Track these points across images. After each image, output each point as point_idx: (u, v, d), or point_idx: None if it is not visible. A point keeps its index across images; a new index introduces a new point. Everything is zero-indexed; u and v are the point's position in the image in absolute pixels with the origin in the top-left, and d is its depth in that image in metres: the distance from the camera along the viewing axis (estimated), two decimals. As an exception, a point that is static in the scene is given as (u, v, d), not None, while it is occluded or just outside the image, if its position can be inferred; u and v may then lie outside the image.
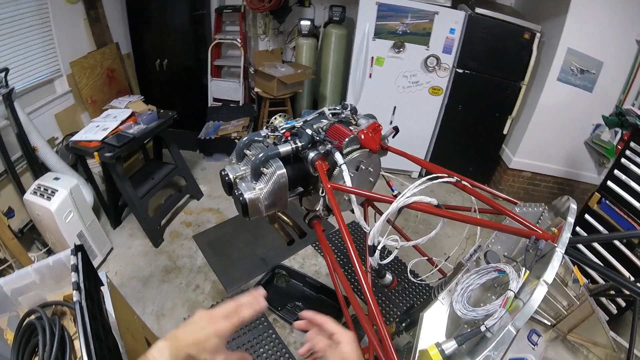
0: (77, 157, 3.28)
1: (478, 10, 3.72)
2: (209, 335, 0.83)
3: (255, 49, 4.92)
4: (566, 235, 1.20)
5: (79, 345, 1.19)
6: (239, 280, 3.03)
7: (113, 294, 1.66)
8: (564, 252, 1.15)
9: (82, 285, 1.31)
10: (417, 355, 1.07)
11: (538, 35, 3.76)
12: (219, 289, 2.97)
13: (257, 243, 3.40)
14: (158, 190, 3.53)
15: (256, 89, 4.53)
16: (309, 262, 3.26)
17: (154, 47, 4.64)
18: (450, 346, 1.02)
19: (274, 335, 2.64)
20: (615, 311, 2.90)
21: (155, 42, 4.63)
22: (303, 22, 4.49)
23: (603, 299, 2.93)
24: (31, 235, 3.10)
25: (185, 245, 3.36)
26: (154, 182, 3.53)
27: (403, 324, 1.66)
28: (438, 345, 1.03)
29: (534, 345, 1.52)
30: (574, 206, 1.36)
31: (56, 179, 2.84)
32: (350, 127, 1.68)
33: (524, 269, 1.13)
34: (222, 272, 3.08)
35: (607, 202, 2.95)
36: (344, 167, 1.45)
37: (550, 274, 1.06)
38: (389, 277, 1.53)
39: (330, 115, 1.76)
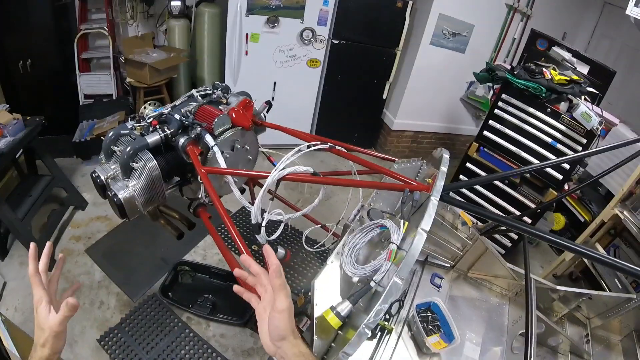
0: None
1: (349, -19, 3.77)
2: (36, 313, 0.90)
3: (125, 36, 4.59)
4: (440, 184, 1.24)
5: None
6: (143, 285, 2.88)
7: (11, 329, 1.56)
8: (438, 199, 1.19)
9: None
10: (314, 322, 1.06)
11: (410, 3, 3.93)
12: (125, 299, 2.80)
13: (154, 243, 3.24)
14: (39, 208, 3.21)
15: (128, 79, 4.26)
16: (211, 252, 3.19)
17: (15, 47, 4.10)
18: (345, 307, 1.03)
19: (191, 334, 2.57)
20: (509, 244, 3.19)
21: (16, 42, 4.09)
22: (173, 3, 4.25)
23: (497, 236, 3.19)
24: None
25: (80, 262, 3.09)
26: (33, 199, 3.19)
27: (309, 293, 1.67)
28: (333, 308, 1.03)
29: (438, 288, 1.61)
30: (446, 156, 1.43)
31: None
32: (220, 107, 1.62)
33: (402, 220, 1.16)
34: (123, 282, 2.90)
35: (485, 149, 3.20)
36: (215, 148, 1.39)
37: (427, 222, 1.09)
38: (281, 251, 1.51)
39: (199, 97, 1.68)
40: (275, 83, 4.17)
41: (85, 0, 4.32)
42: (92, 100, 4.51)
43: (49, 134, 3.39)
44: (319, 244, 1.67)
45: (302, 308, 1.22)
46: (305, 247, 1.55)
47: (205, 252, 3.19)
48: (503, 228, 2.89)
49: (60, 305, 0.90)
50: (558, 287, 1.59)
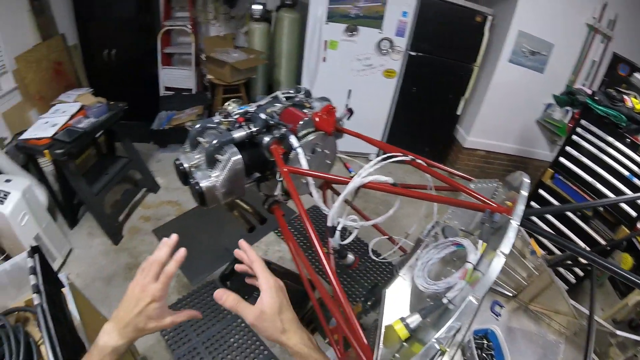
0: (27, 156, 3.13)
1: (430, -7, 3.75)
2: (146, 303, 0.85)
3: (207, 35, 4.81)
4: (520, 208, 1.22)
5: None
6: (203, 271, 3.00)
7: (75, 295, 1.62)
8: (519, 223, 1.17)
9: (41, 287, 1.28)
10: (382, 331, 1.07)
11: (490, 18, 3.85)
12: (184, 282, 2.92)
13: (219, 233, 3.36)
14: (114, 186, 3.44)
15: (209, 76, 4.44)
16: (272, 248, 3.25)
17: (102, 37, 4.43)
18: (415, 320, 1.02)
19: (242, 325, 2.64)
20: (574, 281, 3.04)
21: (102, 32, 4.42)
22: (255, 7, 4.41)
23: (561, 270, 3.04)
24: (-14, 243, 2.94)
25: (146, 241, 3.27)
26: (109, 177, 3.42)
27: (369, 303, 1.67)
28: (402, 319, 1.03)
29: (497, 316, 1.57)
30: (527, 180, 1.39)
31: (7, 181, 2.69)
32: (304, 110, 1.66)
33: (480, 241, 1.15)
34: (185, 265, 3.01)
35: (560, 177, 3.07)
36: (299, 150, 1.43)
37: (506, 245, 1.07)
38: (350, 257, 1.53)
39: (284, 98, 1.73)
40: (350, 91, 4.21)
41: (170, -1, 4.55)
42: (172, 92, 4.77)
43: (128, 120, 3.58)
44: (386, 255, 1.67)
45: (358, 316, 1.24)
46: (372, 256, 1.56)
47: (267, 248, 3.27)
48: (570, 262, 2.79)
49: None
50: (618, 332, 1.51)
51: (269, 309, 0.89)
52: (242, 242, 0.99)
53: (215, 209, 1.65)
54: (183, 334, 2.53)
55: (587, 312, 1.59)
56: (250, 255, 0.97)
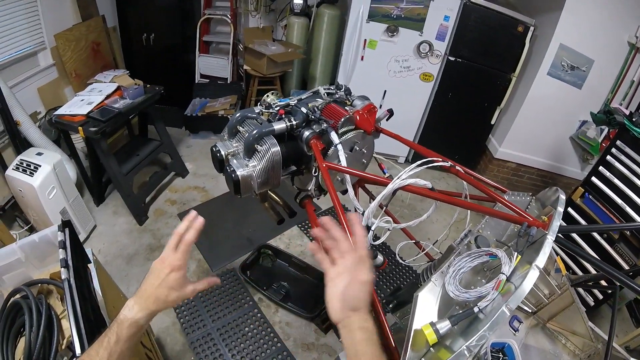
0: (60, 132, 3.21)
1: (473, -1, 3.70)
2: (166, 274, 0.88)
3: (246, 26, 4.84)
4: (556, 224, 1.21)
5: (67, 325, 1.16)
6: (225, 259, 3.02)
7: (99, 271, 1.62)
8: (554, 239, 1.17)
9: (70, 262, 1.28)
10: (411, 334, 1.07)
11: (531, 28, 3.78)
12: (205, 267, 2.96)
13: (243, 222, 3.38)
14: (143, 167, 3.50)
15: (245, 67, 4.47)
16: (294, 242, 3.27)
17: (141, 21, 4.50)
18: (444, 326, 1.03)
19: (259, 315, 2.65)
20: (592, 303, 2.98)
21: (142, 16, 4.49)
22: (296, 1, 4.42)
23: (581, 291, 2.99)
24: (13, 213, 3.03)
25: (170, 224, 3.32)
26: (139, 158, 3.48)
27: (390, 305, 1.68)
28: (432, 324, 1.04)
29: (515, 331, 1.56)
30: (563, 197, 1.38)
31: (39, 154, 2.76)
32: (345, 108, 1.66)
33: (515, 253, 1.14)
34: (207, 251, 3.06)
35: (590, 197, 3.01)
36: (339, 147, 1.44)
37: (541, 260, 1.08)
38: (380, 258, 1.53)
39: (325, 94, 1.73)
40: (385, 91, 4.20)
41: (212, -13, 4.59)
42: (207, 80, 4.82)
43: (162, 104, 3.63)
44: (412, 260, 1.66)
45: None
46: (399, 259, 1.56)
47: (290, 241, 3.28)
48: (591, 284, 2.74)
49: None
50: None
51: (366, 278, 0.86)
52: (352, 216, 0.95)
53: (241, 199, 1.67)
54: (199, 319, 2.56)
55: (604, 336, 1.57)
56: (333, 234, 0.91)
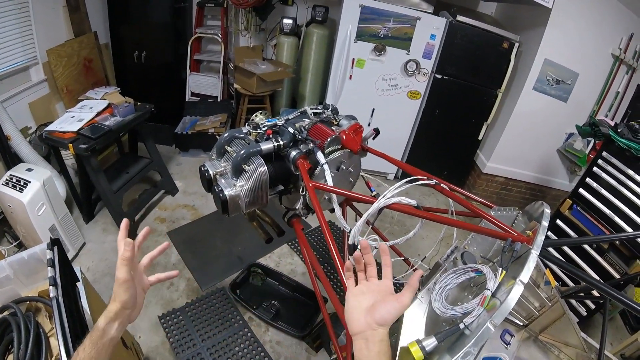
0: (50, 148, 3.19)
1: (459, 17, 3.77)
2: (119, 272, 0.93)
3: (236, 45, 4.88)
4: (540, 238, 1.23)
5: (56, 343, 1.16)
6: (214, 278, 3.00)
7: (88, 290, 1.62)
8: (538, 254, 1.18)
9: (58, 280, 1.28)
10: (398, 351, 1.08)
11: (517, 45, 3.84)
12: (194, 286, 2.93)
13: (233, 241, 3.37)
14: (133, 185, 3.48)
15: (235, 85, 4.49)
16: (284, 260, 3.26)
17: (133, 38, 4.52)
18: (431, 343, 1.04)
19: (249, 334, 2.62)
20: (584, 313, 2.99)
21: (134, 34, 4.51)
22: (285, 20, 4.47)
23: (573, 301, 3.01)
24: (2, 228, 3.00)
25: (160, 241, 3.29)
26: (129, 176, 3.47)
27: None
28: (419, 342, 1.04)
29: (507, 345, 1.57)
30: (547, 211, 1.41)
31: (29, 170, 2.75)
32: (332, 128, 1.69)
33: (500, 269, 1.16)
34: (197, 270, 3.04)
35: (578, 208, 3.04)
36: (325, 166, 1.46)
37: (525, 275, 1.09)
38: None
39: (312, 114, 1.76)
40: (373, 110, 4.24)
41: (203, 6, 4.66)
42: (198, 98, 4.84)
43: (152, 121, 3.63)
44: (398, 277, 1.67)
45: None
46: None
47: (280, 259, 3.27)
48: (582, 294, 2.76)
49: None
50: (626, 368, 1.50)
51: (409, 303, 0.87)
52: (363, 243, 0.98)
53: (231, 218, 1.67)
54: (188, 338, 2.53)
55: (596, 345, 1.58)
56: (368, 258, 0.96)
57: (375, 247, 1.35)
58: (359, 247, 0.95)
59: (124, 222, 1.01)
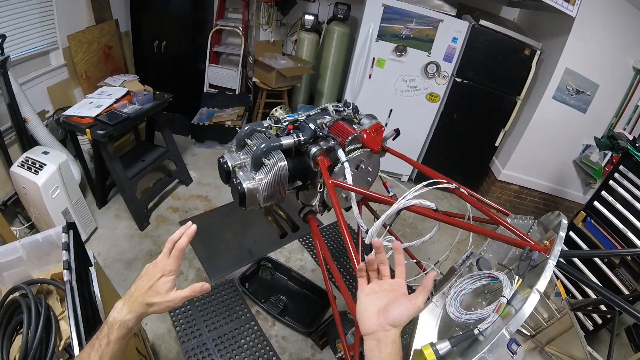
0: (67, 132, 3.23)
1: (482, 22, 3.75)
2: (157, 278, 0.90)
3: (256, 39, 4.88)
4: (558, 248, 1.23)
5: (65, 327, 1.16)
6: (224, 269, 3.02)
7: (99, 275, 1.62)
8: (555, 264, 1.18)
9: (73, 264, 1.29)
10: (411, 354, 1.08)
11: (538, 52, 3.80)
12: (203, 277, 2.95)
13: (244, 234, 3.39)
14: (147, 173, 3.50)
15: (254, 79, 4.49)
16: (294, 256, 3.26)
17: (154, 27, 4.56)
18: (444, 347, 1.04)
19: (255, 327, 2.63)
20: (591, 327, 2.97)
21: (155, 23, 4.55)
22: (307, 17, 4.47)
23: (580, 315, 2.98)
24: (14, 209, 3.03)
25: (171, 231, 3.26)
26: (144, 164, 3.49)
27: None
28: (433, 345, 1.04)
29: (513, 354, 1.55)
30: (565, 221, 1.39)
31: (45, 153, 2.78)
32: (353, 126, 1.68)
33: (516, 277, 1.15)
34: (207, 261, 3.06)
35: (592, 221, 3.01)
36: (346, 164, 1.45)
37: (542, 284, 1.09)
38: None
39: (333, 112, 1.76)
40: (391, 110, 4.21)
41: (225, -1, 4.66)
42: (216, 90, 4.86)
43: (169, 111, 3.66)
44: (413, 280, 1.67)
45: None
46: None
47: (290, 255, 3.28)
48: (590, 308, 2.73)
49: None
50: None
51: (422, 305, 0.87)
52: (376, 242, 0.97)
53: (244, 211, 1.67)
54: (195, 328, 2.55)
55: (601, 360, 1.57)
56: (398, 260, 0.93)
57: (391, 249, 1.36)
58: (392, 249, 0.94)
59: (194, 228, 0.98)
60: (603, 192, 2.97)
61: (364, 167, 1.65)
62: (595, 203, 3.00)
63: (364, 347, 0.85)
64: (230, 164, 1.60)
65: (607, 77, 3.81)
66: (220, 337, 2.53)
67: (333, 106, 1.77)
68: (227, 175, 1.62)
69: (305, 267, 3.17)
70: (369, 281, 0.94)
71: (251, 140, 1.60)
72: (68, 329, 1.14)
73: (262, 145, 1.49)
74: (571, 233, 3.11)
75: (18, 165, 2.69)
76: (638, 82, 3.83)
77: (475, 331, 1.05)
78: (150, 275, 0.91)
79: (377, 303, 0.88)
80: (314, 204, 1.67)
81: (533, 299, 1.05)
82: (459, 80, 4.02)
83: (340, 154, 1.47)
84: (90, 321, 1.26)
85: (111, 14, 4.08)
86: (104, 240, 3.15)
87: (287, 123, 1.59)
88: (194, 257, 3.08)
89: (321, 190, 1.57)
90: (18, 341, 1.22)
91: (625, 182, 2.82)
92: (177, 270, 0.93)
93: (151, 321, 2.55)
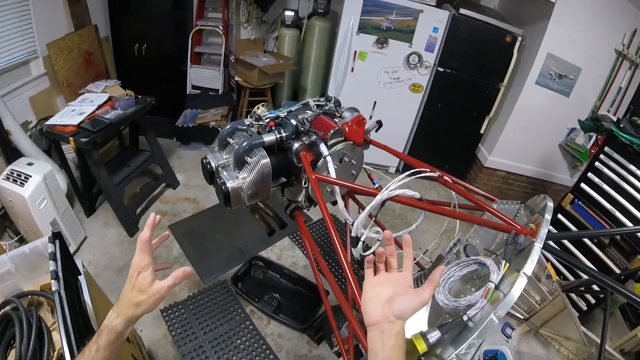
0: (51, 142, 3.18)
1: (462, 10, 3.76)
2: (135, 277, 0.91)
3: (237, 37, 4.87)
4: (544, 231, 1.23)
5: (58, 337, 1.15)
6: (216, 271, 3.00)
7: (90, 283, 1.61)
8: (542, 246, 1.18)
9: (60, 274, 1.27)
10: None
11: (519, 38, 3.83)
12: (196, 279, 2.94)
13: (234, 234, 3.37)
14: (134, 178, 3.47)
15: (236, 78, 4.47)
16: (286, 253, 3.26)
17: (133, 31, 4.50)
18: (434, 335, 1.04)
19: (251, 327, 2.62)
20: (585, 307, 3.01)
21: (134, 26, 4.50)
22: (287, 13, 4.45)
23: (573, 296, 3.01)
24: (3, 223, 3.00)
25: (161, 235, 3.29)
26: (130, 169, 3.46)
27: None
28: (423, 334, 1.05)
29: (508, 338, 1.57)
30: (550, 204, 1.40)
31: (30, 164, 2.74)
32: (334, 120, 1.68)
33: (503, 262, 1.16)
34: (198, 263, 3.05)
35: (580, 202, 3.04)
36: (329, 158, 1.45)
37: (529, 267, 1.09)
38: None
39: (315, 106, 1.75)
40: (375, 102, 4.22)
41: (204, -2, 4.62)
42: (199, 91, 4.84)
43: (153, 114, 3.62)
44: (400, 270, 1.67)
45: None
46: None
47: (281, 252, 3.27)
48: (583, 289, 2.76)
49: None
50: (626, 362, 1.51)
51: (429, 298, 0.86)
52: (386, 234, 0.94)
53: (232, 211, 1.66)
54: (190, 331, 2.54)
55: (597, 340, 1.59)
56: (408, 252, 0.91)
57: (378, 240, 1.35)
58: (380, 240, 0.93)
59: (152, 218, 1.00)
60: (589, 174, 3.00)
61: (347, 160, 1.65)
62: (582, 185, 3.04)
63: (368, 338, 0.84)
64: (213, 165, 1.59)
65: (589, 61, 3.85)
66: (216, 339, 2.51)
67: (314, 101, 1.76)
68: (211, 175, 1.61)
69: (297, 263, 3.17)
70: (375, 272, 0.93)
71: (233, 140, 1.59)
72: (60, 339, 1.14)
73: (244, 144, 1.48)
74: (560, 216, 3.14)
75: (3, 179, 2.65)
76: (620, 65, 3.88)
77: (465, 317, 1.05)
78: (129, 277, 0.92)
79: (382, 294, 0.87)
80: (299, 199, 1.67)
81: (520, 283, 1.05)
82: (441, 69, 4.04)
83: (323, 148, 1.46)
84: (82, 330, 1.25)
85: (90, 20, 4.02)
86: (94, 248, 3.12)
87: (268, 120, 1.58)
88: (185, 260, 3.07)
89: (306, 185, 1.56)
90: (13, 355, 1.20)
91: (611, 163, 2.85)
92: (150, 263, 0.93)
93: (146, 327, 2.53)
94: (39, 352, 1.17)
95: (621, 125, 2.76)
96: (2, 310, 1.26)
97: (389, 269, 0.92)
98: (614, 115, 3.79)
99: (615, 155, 2.82)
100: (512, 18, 4.10)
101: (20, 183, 2.61)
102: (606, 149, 2.89)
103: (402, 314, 0.82)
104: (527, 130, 4.17)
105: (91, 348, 0.85)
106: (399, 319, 0.82)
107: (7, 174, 2.66)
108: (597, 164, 2.95)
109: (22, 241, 2.93)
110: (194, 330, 2.55)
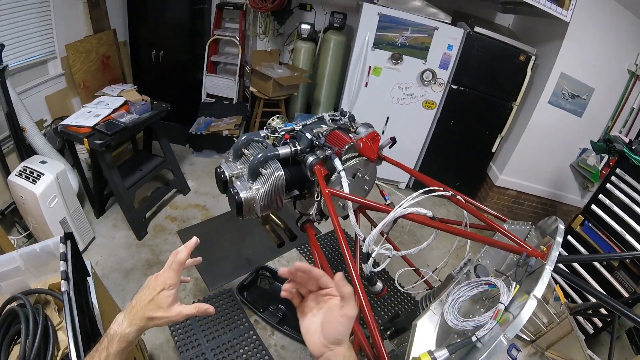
0: (65, 141, 3.22)
1: (477, 29, 3.78)
2: (157, 291, 0.89)
3: (254, 48, 4.92)
4: (555, 254, 1.23)
5: (63, 337, 1.16)
6: (222, 279, 3.01)
7: (97, 285, 1.62)
8: (552, 269, 1.18)
9: (70, 275, 1.28)
10: (409, 361, 1.08)
11: (533, 57, 3.83)
12: (202, 286, 2.94)
13: (242, 243, 3.38)
14: (145, 183, 3.50)
15: (251, 88, 4.51)
16: (293, 265, 3.24)
17: (151, 37, 4.57)
18: (442, 354, 1.04)
19: (254, 337, 2.61)
20: (591, 331, 2.97)
21: (152, 33, 4.56)
22: (303, 26, 4.50)
23: (580, 318, 2.98)
24: (12, 218, 3.03)
25: (169, 240, 3.32)
26: (142, 173, 3.49)
27: (387, 332, 1.68)
28: (430, 353, 1.04)
29: (513, 360, 1.55)
30: (562, 226, 1.40)
31: (43, 162, 2.78)
32: (349, 135, 1.69)
33: (514, 283, 1.16)
34: (205, 270, 3.05)
35: (590, 224, 3.02)
36: (342, 173, 1.46)
37: (539, 290, 1.09)
38: (379, 285, 1.53)
39: (330, 121, 1.77)
40: (388, 118, 4.24)
41: (222, 9, 4.71)
42: (213, 100, 4.89)
43: (167, 120, 3.66)
44: (411, 287, 1.67)
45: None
46: (398, 287, 1.56)
47: (289, 263, 3.26)
48: (590, 312, 2.73)
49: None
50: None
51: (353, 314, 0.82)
52: (298, 265, 0.85)
53: (242, 220, 1.67)
54: (193, 338, 2.53)
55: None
56: (314, 273, 0.85)
57: (389, 257, 1.36)
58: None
59: (194, 241, 0.99)
60: (600, 196, 2.98)
61: (360, 175, 1.66)
62: (593, 206, 3.01)
63: None
64: (227, 174, 1.60)
65: (602, 81, 3.84)
66: (219, 347, 2.50)
67: (329, 115, 1.78)
68: (224, 185, 1.63)
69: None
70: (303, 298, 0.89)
71: (248, 150, 1.60)
72: (66, 339, 1.14)
73: (259, 155, 1.49)
74: (570, 237, 3.12)
75: (16, 175, 2.69)
76: (633, 85, 3.86)
77: (473, 338, 1.05)
78: (151, 288, 0.91)
79: (315, 322, 0.84)
80: (311, 212, 1.68)
81: (530, 305, 1.05)
82: (454, 87, 4.04)
83: (337, 163, 1.48)
84: (88, 332, 1.25)
85: (109, 24, 4.09)
86: (102, 249, 3.14)
87: (283, 132, 1.60)
88: (192, 266, 3.06)
89: (318, 199, 1.57)
90: (16, 351, 1.21)
91: (623, 185, 2.83)
92: (177, 284, 0.92)
93: (149, 331, 2.51)
94: (43, 350, 1.16)
95: (633, 147, 2.75)
96: (9, 306, 1.26)
97: (315, 292, 0.87)
98: (626, 136, 3.77)
99: (627, 177, 2.80)
100: (526, 37, 4.11)
101: (33, 180, 2.65)
102: (618, 170, 2.88)
103: (337, 340, 0.80)
104: (539, 149, 4.15)
105: (101, 354, 0.84)
106: (338, 345, 0.80)
107: (20, 170, 2.70)
108: (608, 185, 2.93)
109: (30, 237, 2.97)
110: (197, 337, 2.54)
